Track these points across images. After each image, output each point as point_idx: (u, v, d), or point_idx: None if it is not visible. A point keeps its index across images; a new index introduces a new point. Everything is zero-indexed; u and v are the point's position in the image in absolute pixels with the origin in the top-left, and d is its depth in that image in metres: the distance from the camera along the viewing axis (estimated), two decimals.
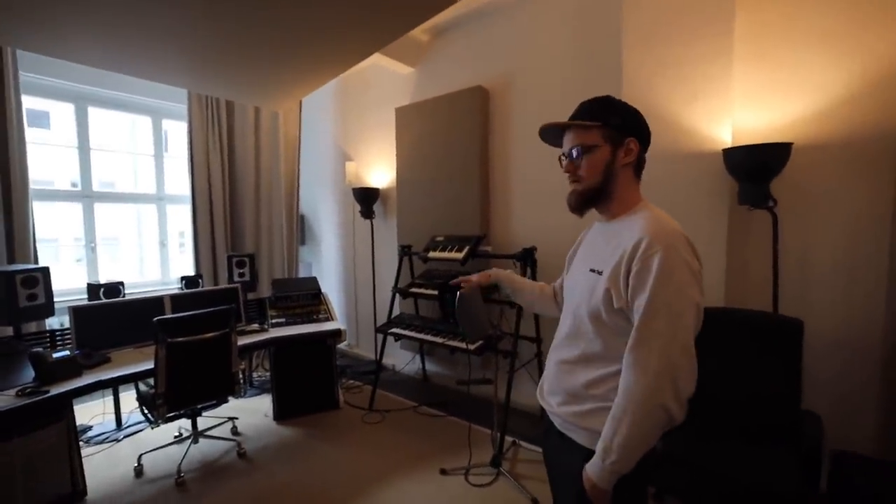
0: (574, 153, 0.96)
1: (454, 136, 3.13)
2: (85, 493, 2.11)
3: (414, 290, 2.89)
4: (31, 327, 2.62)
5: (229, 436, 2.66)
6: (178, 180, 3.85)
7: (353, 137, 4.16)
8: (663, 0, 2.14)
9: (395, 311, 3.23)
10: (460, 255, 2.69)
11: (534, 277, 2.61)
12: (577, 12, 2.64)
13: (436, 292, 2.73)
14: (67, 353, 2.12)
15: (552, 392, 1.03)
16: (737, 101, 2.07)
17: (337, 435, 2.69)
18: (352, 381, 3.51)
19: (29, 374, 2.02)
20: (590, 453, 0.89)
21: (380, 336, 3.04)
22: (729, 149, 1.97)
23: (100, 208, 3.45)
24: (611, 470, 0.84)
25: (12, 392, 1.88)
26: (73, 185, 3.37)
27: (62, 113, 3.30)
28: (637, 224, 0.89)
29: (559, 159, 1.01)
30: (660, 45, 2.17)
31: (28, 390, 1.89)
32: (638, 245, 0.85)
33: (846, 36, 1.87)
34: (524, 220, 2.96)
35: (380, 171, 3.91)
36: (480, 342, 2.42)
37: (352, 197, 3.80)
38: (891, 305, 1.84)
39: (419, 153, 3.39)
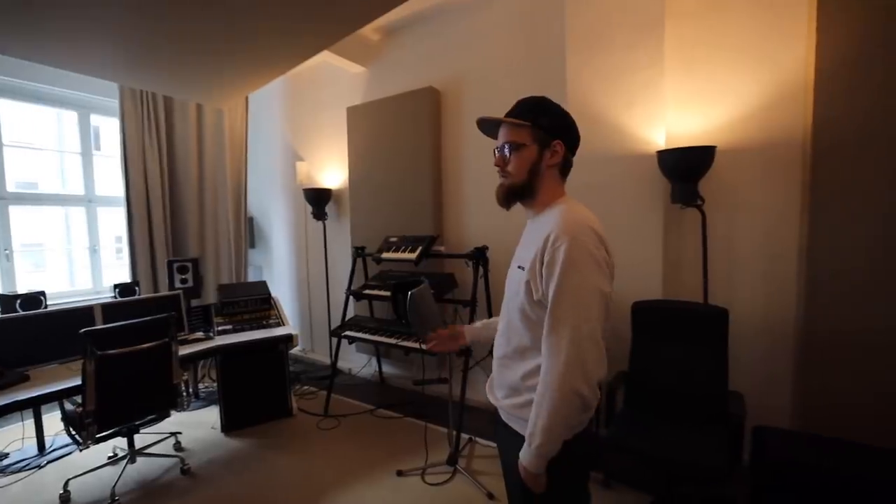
0: (505, 149, 1.00)
1: (406, 136, 3.12)
2: None
3: (368, 291, 2.86)
4: None
5: (171, 452, 2.49)
6: (111, 181, 3.57)
7: (303, 137, 4.04)
8: (602, 9, 2.26)
9: (350, 314, 3.17)
10: (413, 256, 2.69)
11: (486, 276, 2.66)
12: (525, 17, 2.72)
13: (389, 293, 2.71)
14: None
15: (497, 386, 1.08)
16: (669, 107, 2.22)
17: (290, 443, 2.60)
18: (306, 387, 3.40)
19: None
20: None
21: (334, 339, 2.97)
22: (662, 151, 2.10)
23: (19, 211, 3.13)
24: (537, 453, 0.88)
25: None
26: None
27: None
28: (552, 218, 0.94)
29: (493, 151, 1.05)
30: (600, 53, 2.29)
31: None
32: (548, 238, 0.90)
33: (758, 49, 2.06)
34: (477, 219, 3.01)
35: (332, 172, 3.83)
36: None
37: (303, 198, 3.69)
38: (802, 293, 2.04)
39: (371, 153, 3.35)
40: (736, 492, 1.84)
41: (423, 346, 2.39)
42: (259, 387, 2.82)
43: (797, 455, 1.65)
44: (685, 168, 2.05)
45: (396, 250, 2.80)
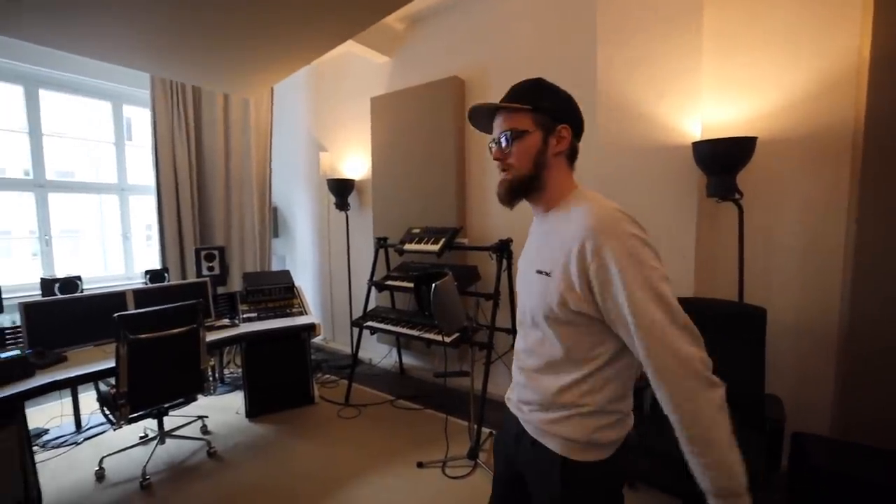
0: (503, 139, 0.88)
1: (431, 126, 3.09)
2: (40, 500, 2.00)
3: (390, 282, 2.85)
4: None
5: (198, 435, 2.57)
6: (143, 170, 3.67)
7: (327, 127, 4.06)
8: None
9: (372, 304, 3.19)
10: (436, 248, 2.67)
11: (508, 269, 2.62)
12: (553, 3, 2.63)
13: (412, 285, 2.70)
14: (18, 352, 1.99)
15: (522, 400, 0.97)
16: (705, 96, 2.11)
17: (311, 431, 2.64)
18: (327, 376, 3.45)
19: None
20: (564, 460, 0.86)
21: (355, 330, 2.99)
22: (698, 142, 2.01)
23: (57, 199, 3.26)
24: (737, 491, 0.74)
25: None
26: (25, 173, 3.16)
27: (10, 96, 3.07)
28: (576, 217, 0.82)
29: (489, 147, 0.93)
30: (632, 40, 2.19)
31: None
32: (584, 248, 0.78)
33: (806, 35, 1.93)
34: (501, 211, 2.95)
35: (355, 162, 3.83)
36: (456, 334, 2.41)
37: (326, 188, 3.71)
38: (847, 294, 1.93)
39: (395, 144, 3.33)
40: (772, 500, 1.76)
41: (446, 339, 2.40)
42: (282, 374, 2.87)
43: (840, 464, 1.56)
44: (723, 160, 1.95)
45: (419, 242, 2.79)
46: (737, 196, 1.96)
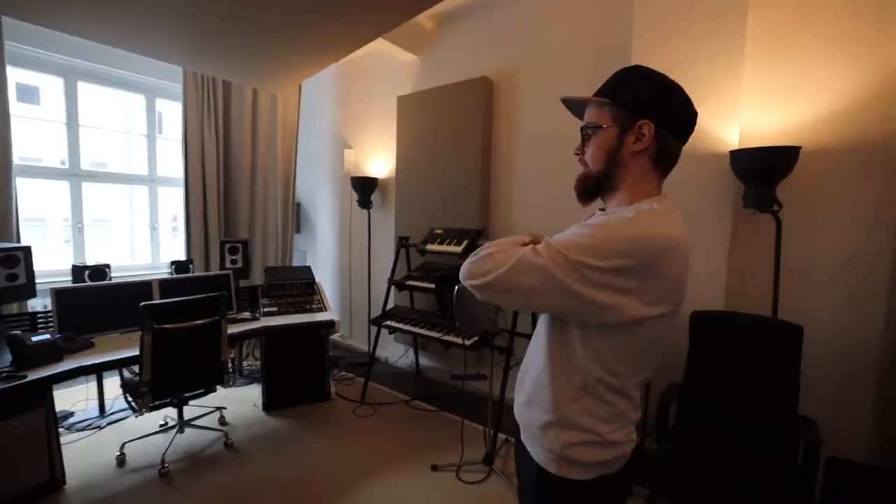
0: (584, 133, 0.85)
1: (457, 126, 3.06)
2: (63, 481, 2.05)
3: (411, 282, 2.84)
4: (13, 308, 2.53)
5: (216, 426, 2.60)
6: (171, 162, 3.74)
7: (352, 125, 4.08)
8: None
9: (391, 304, 3.18)
10: (459, 249, 2.65)
11: None
12: (587, 4, 2.58)
13: (433, 286, 2.69)
14: (48, 336, 2.04)
15: (519, 402, 0.95)
16: (746, 102, 2.04)
17: (327, 427, 2.64)
18: (344, 373, 3.46)
19: (6, 357, 1.94)
20: (540, 470, 0.85)
21: (373, 328, 2.99)
22: (737, 150, 1.94)
23: (90, 188, 3.35)
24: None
25: None
26: (62, 163, 3.26)
27: (52, 88, 3.17)
28: (626, 210, 0.77)
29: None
30: (670, 41, 2.13)
31: (3, 375, 1.81)
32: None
33: (860, 39, 1.84)
34: (526, 214, 2.91)
35: (379, 160, 3.84)
36: (476, 338, 2.38)
37: (349, 185, 3.72)
38: (890, 315, 1.82)
39: (420, 143, 3.32)
40: None
41: (466, 342, 2.37)
42: (300, 369, 2.88)
43: (879, 494, 1.47)
44: (762, 170, 1.87)
45: (441, 242, 2.77)
46: (775, 207, 1.88)
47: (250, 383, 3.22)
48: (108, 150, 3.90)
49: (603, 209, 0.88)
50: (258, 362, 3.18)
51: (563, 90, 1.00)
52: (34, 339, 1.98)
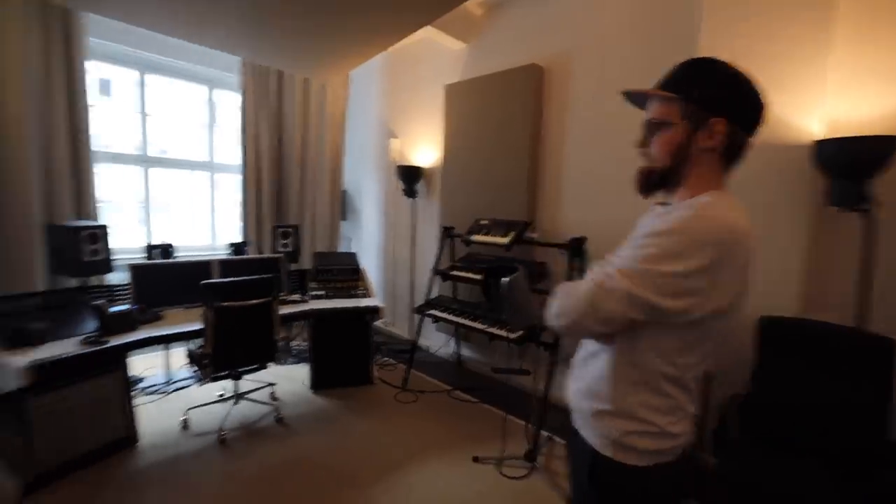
0: (647, 127, 0.84)
1: (505, 115, 3.00)
2: (136, 439, 2.24)
3: (455, 273, 2.84)
4: (91, 282, 2.77)
5: (268, 400, 2.74)
6: (226, 150, 3.93)
7: (398, 114, 4.10)
8: None
9: (434, 293, 3.20)
10: (505, 240, 2.60)
11: (581, 270, 2.49)
12: None
13: (479, 277, 2.66)
14: (127, 307, 2.22)
15: (573, 389, 0.96)
16: (832, 88, 1.84)
17: (371, 410, 2.71)
18: (386, 359, 3.53)
19: (89, 324, 2.14)
20: (595, 453, 0.86)
21: (415, 316, 3.02)
22: (823, 141, 1.76)
23: (157, 173, 3.59)
24: None
25: (77, 340, 1.99)
26: (137, 150, 3.51)
27: (124, 80, 3.41)
28: (682, 206, 0.77)
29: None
30: (745, 23, 1.95)
31: (91, 339, 2.00)
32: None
33: None
34: (576, 207, 2.81)
35: (425, 150, 3.84)
36: (522, 332, 2.34)
37: (395, 174, 3.76)
38: None
39: (467, 132, 3.29)
40: None
41: (511, 335, 2.34)
42: (345, 352, 2.98)
43: None
44: (852, 163, 1.69)
45: (487, 233, 2.74)
46: (867, 206, 1.70)
47: (299, 362, 3.37)
48: (172, 138, 4.16)
49: (662, 203, 0.88)
50: (306, 343, 3.31)
51: (620, 77, 0.96)
52: (114, 309, 2.16)
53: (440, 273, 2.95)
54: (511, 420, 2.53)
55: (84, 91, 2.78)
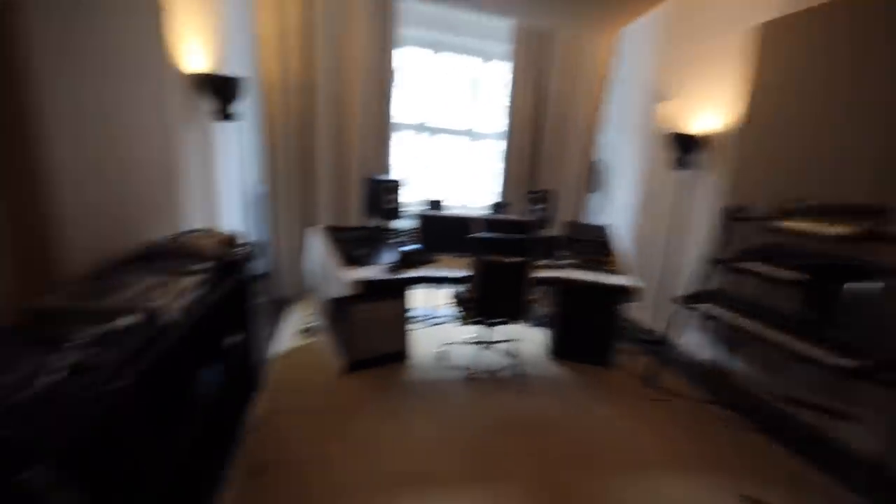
0: None
1: (857, 58, 2.07)
2: (407, 356, 2.73)
3: (752, 266, 2.23)
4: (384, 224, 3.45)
5: (512, 355, 2.90)
6: (487, 118, 4.18)
7: (671, 72, 3.45)
8: None
9: (709, 285, 2.65)
10: (846, 231, 1.86)
11: None
12: None
13: (804, 277, 1.99)
14: (417, 246, 2.67)
15: None
16: None
17: (610, 395, 2.52)
18: (626, 344, 3.22)
19: (386, 256, 2.65)
20: None
21: (668, 305, 2.58)
22: None
23: (430, 140, 4.15)
24: None
25: (384, 267, 2.51)
26: (420, 121, 4.11)
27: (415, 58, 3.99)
28: None
29: None
30: None
31: (394, 268, 2.49)
32: None
33: None
34: None
35: (707, 113, 3.13)
36: (865, 362, 1.66)
37: (656, 143, 3.24)
38: None
39: (787, 87, 2.46)
40: None
41: (843, 362, 1.69)
42: (588, 328, 2.84)
43: None
44: None
45: (816, 219, 2.02)
46: None
47: (539, 326, 3.42)
48: (443, 109, 4.70)
49: None
50: (547, 309, 3.32)
51: None
52: (406, 248, 2.63)
53: (725, 262, 2.40)
54: (807, 469, 1.89)
55: (392, 73, 3.39)
